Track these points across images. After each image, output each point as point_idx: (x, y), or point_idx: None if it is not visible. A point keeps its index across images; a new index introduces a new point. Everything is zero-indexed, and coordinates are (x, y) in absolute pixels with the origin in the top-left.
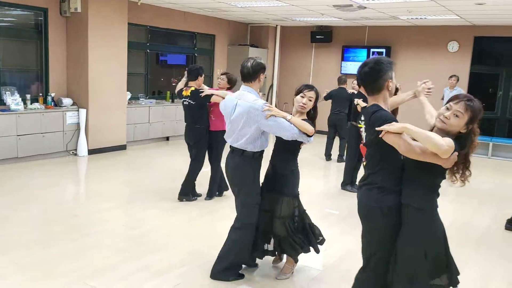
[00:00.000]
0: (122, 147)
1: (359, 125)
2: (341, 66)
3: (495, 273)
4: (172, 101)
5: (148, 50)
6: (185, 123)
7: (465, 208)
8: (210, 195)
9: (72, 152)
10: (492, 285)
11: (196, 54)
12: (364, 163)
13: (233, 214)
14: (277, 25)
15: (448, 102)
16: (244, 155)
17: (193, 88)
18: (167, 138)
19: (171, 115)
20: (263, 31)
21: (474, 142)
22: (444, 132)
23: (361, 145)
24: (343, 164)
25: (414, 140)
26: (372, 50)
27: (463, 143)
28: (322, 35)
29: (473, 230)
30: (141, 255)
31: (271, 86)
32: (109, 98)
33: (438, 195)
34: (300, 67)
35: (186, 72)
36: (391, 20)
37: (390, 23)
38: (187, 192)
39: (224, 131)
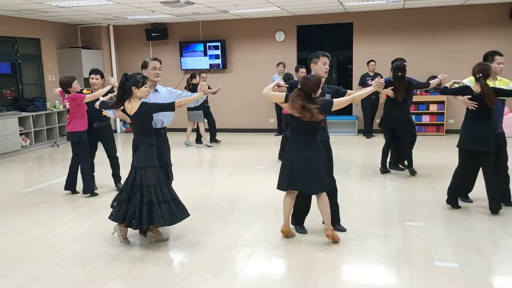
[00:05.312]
0: None
1: None
2: (180, 62)
3: None
4: None
5: None
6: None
7: None
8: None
9: None
10: None
11: (19, 61)
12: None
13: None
14: (109, 25)
15: None
16: None
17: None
18: None
19: None
20: (95, 31)
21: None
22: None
23: None
24: None
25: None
26: (208, 44)
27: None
28: (157, 33)
29: None
30: None
31: (112, 87)
32: None
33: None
34: (140, 66)
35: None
36: (221, 14)
37: (222, 18)
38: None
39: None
